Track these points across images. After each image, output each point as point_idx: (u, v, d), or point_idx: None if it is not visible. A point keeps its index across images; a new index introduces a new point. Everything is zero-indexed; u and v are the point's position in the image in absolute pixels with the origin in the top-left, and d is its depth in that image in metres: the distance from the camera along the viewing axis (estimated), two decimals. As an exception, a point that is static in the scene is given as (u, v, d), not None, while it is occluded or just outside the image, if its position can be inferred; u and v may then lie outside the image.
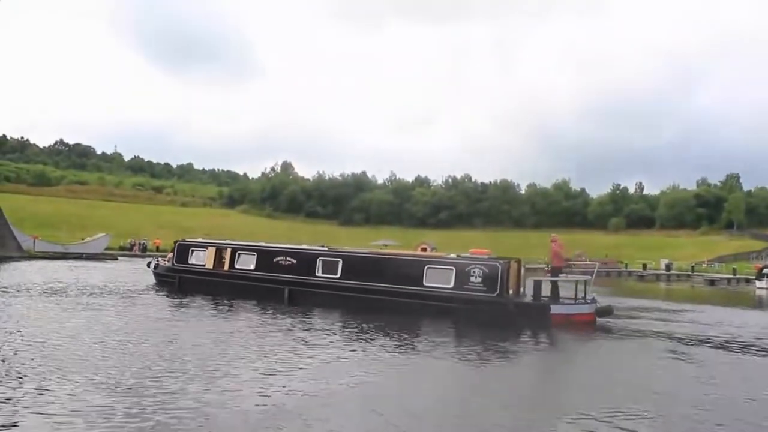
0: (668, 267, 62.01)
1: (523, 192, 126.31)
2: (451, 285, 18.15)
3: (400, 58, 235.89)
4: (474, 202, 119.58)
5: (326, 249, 22.74)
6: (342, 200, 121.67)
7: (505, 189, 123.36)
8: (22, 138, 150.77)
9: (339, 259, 20.72)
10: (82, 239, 53.02)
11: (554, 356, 13.84)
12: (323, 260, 20.91)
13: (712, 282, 52.20)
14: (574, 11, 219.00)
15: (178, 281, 23.78)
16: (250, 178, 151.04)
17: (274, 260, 21.91)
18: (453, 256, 19.64)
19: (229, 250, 23.15)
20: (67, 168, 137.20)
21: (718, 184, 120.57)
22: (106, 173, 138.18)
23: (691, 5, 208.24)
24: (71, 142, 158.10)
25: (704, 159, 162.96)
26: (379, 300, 18.68)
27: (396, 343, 13.34)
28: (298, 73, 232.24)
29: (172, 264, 24.74)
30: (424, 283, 18.59)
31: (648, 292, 38.86)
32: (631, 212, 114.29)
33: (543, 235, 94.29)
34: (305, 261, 21.31)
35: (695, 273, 60.08)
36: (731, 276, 56.76)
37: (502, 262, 17.98)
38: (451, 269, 18.44)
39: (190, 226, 72.50)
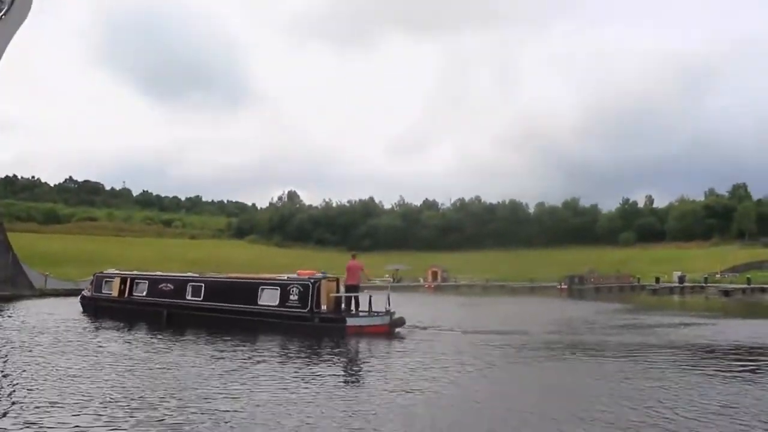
0: (681, 279, 61.65)
1: (531, 211, 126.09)
2: (277, 303, 20.17)
3: (397, 76, 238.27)
4: (483, 224, 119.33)
5: (195, 275, 24.75)
6: (350, 227, 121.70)
7: (514, 209, 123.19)
8: (33, 177, 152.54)
9: (202, 284, 22.78)
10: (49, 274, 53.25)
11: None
12: (192, 285, 22.95)
13: (726, 293, 51.86)
14: (573, 21, 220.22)
15: (95, 308, 26.17)
16: (258, 208, 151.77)
17: (159, 286, 23.98)
18: (285, 277, 21.30)
19: (129, 280, 25.43)
20: (77, 205, 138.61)
21: (726, 194, 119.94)
22: (115, 209, 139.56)
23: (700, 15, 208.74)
24: (80, 179, 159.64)
25: (711, 170, 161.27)
26: (229, 319, 20.60)
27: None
28: (294, 99, 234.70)
29: (92, 294, 27.34)
30: (259, 302, 20.64)
31: (662, 305, 38.49)
32: (641, 226, 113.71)
33: (554, 253, 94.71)
34: (179, 286, 23.30)
35: (709, 284, 59.61)
36: (746, 286, 56.36)
37: (312, 281, 19.77)
38: (277, 289, 20.42)
39: (199, 257, 72.45)
